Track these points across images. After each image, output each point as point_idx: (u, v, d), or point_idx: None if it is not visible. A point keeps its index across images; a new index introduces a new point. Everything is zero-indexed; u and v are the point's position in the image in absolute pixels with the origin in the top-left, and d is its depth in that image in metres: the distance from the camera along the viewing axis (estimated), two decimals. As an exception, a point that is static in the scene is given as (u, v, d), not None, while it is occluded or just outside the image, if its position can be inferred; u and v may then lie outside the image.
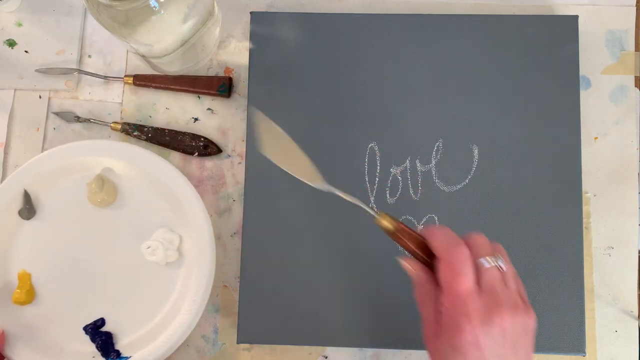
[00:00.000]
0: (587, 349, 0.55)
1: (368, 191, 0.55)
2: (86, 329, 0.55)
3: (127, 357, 0.54)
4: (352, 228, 0.54)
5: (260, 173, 0.55)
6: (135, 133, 0.58)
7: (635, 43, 0.59)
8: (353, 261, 0.54)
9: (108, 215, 0.56)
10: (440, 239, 0.39)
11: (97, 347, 0.54)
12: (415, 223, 0.54)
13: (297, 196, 0.55)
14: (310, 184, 0.42)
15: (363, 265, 0.54)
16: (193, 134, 0.58)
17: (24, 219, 0.56)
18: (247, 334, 0.54)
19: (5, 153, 0.59)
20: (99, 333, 0.54)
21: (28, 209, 0.55)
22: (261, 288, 0.54)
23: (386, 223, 0.40)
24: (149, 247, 0.54)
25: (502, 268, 0.39)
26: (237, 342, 0.54)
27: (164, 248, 0.54)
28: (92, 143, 0.56)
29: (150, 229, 0.55)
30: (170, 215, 0.55)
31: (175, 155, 0.59)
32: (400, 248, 0.43)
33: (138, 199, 0.56)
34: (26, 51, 0.61)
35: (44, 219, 0.56)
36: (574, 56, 0.56)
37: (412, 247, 0.40)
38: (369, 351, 0.56)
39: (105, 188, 0.55)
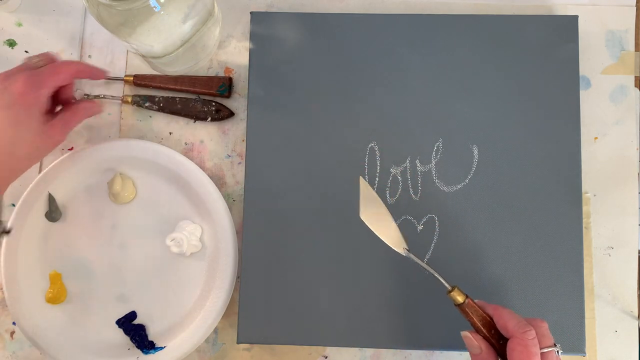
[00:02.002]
0: (587, 349, 0.55)
1: (368, 191, 0.55)
2: (119, 322, 0.56)
3: (161, 347, 0.55)
4: (352, 228, 0.54)
5: (260, 173, 0.55)
6: (146, 104, 0.58)
7: (635, 43, 0.59)
8: (353, 261, 0.54)
9: (130, 211, 0.57)
10: (512, 320, 0.43)
11: (131, 340, 0.56)
12: (416, 223, 0.54)
13: (297, 196, 0.55)
14: (393, 248, 0.47)
15: (363, 266, 0.54)
16: (204, 100, 0.58)
17: (50, 221, 0.57)
18: (247, 334, 0.54)
19: (5, 153, 0.59)
20: (131, 326, 0.56)
21: (54, 211, 0.57)
22: (261, 288, 0.54)
23: (457, 297, 0.44)
24: (173, 240, 0.56)
25: (558, 353, 0.43)
26: (237, 342, 0.54)
27: (187, 239, 0.55)
28: (109, 144, 0.57)
29: (172, 222, 0.57)
30: (189, 207, 0.57)
31: (186, 123, 0.59)
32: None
33: (157, 194, 0.57)
34: (26, 51, 0.61)
35: (69, 220, 0.57)
36: (574, 56, 0.56)
37: (477, 322, 0.44)
38: (369, 351, 0.56)
39: (124, 185, 0.56)
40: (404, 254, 0.46)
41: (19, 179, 0.52)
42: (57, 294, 0.56)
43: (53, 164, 0.56)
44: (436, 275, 0.45)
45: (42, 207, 0.57)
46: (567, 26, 0.56)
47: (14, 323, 0.58)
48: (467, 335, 0.44)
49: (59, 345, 0.55)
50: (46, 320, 0.56)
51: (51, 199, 0.56)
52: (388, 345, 0.54)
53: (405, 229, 0.54)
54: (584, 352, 0.53)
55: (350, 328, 0.53)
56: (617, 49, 0.59)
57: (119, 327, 0.56)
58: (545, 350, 0.42)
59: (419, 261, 0.46)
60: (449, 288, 0.44)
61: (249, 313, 0.54)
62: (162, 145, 0.57)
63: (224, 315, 0.56)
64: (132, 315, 0.56)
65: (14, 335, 0.58)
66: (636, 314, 0.56)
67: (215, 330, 0.57)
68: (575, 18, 0.56)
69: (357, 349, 0.56)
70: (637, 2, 0.60)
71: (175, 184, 0.57)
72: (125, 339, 0.56)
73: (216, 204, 0.55)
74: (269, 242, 0.55)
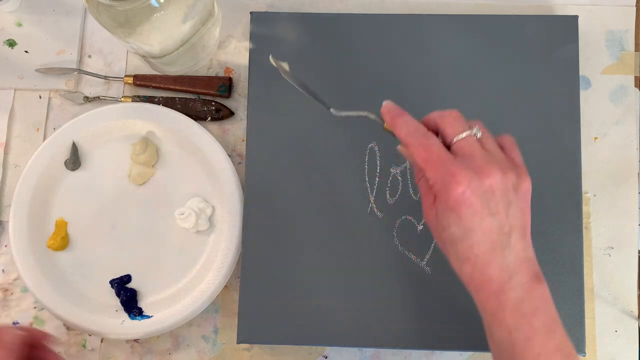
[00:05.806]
0: (587, 349, 0.55)
1: (368, 191, 0.55)
2: (112, 282, 0.56)
3: (148, 316, 0.55)
4: (352, 228, 0.54)
5: (260, 173, 0.55)
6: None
7: (635, 43, 0.59)
8: (353, 261, 0.54)
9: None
10: (403, 130, 0.43)
11: (120, 302, 0.56)
12: (416, 223, 0.54)
13: (297, 196, 0.55)
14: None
15: (363, 265, 0.54)
16: (204, 100, 0.59)
17: (69, 169, 0.58)
18: (247, 334, 0.54)
19: (5, 153, 0.59)
20: (124, 289, 0.56)
21: (74, 160, 0.57)
22: (261, 288, 0.54)
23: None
24: (182, 214, 0.56)
25: (476, 136, 0.42)
26: (237, 342, 0.54)
27: (196, 216, 0.56)
28: (139, 105, 0.58)
29: (185, 196, 0.57)
30: (206, 185, 0.57)
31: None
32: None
33: (177, 166, 0.58)
34: (26, 51, 0.61)
35: (87, 173, 0.58)
36: (574, 56, 0.56)
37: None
38: (369, 351, 0.56)
39: (148, 150, 0.57)
40: (334, 113, 0.47)
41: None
42: (59, 242, 0.57)
43: (82, 115, 0.57)
44: (369, 115, 0.46)
45: (63, 154, 0.57)
46: (567, 26, 0.56)
47: (15, 323, 0.58)
48: (398, 149, 0.45)
49: (48, 292, 0.55)
50: (42, 264, 0.56)
51: (74, 148, 0.57)
52: (388, 345, 0.54)
53: (405, 229, 0.54)
54: (584, 352, 0.53)
55: (350, 328, 0.53)
56: (617, 49, 0.59)
57: (112, 287, 0.56)
58: (459, 137, 0.42)
59: (348, 112, 0.47)
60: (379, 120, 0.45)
61: (249, 313, 0.54)
62: (189, 119, 0.57)
63: (224, 315, 0.56)
64: (127, 278, 0.56)
65: (14, 335, 0.58)
66: (636, 314, 0.56)
67: (215, 331, 0.57)
68: (575, 18, 0.56)
69: (357, 349, 0.56)
70: (637, 2, 0.60)
71: (196, 159, 0.57)
72: (115, 300, 0.56)
73: (231, 187, 0.56)
74: (269, 242, 0.55)
